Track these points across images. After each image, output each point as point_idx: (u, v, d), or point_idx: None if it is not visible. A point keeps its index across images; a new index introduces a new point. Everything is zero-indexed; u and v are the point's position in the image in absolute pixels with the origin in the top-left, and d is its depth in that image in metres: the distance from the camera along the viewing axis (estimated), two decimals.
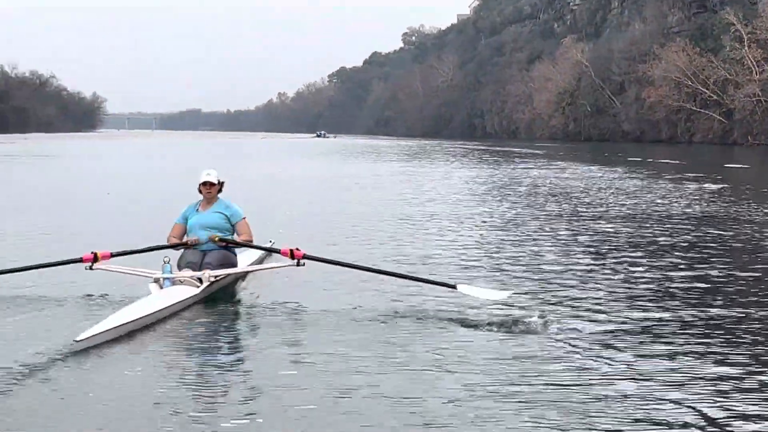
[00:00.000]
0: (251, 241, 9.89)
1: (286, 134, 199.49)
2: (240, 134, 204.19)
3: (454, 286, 9.18)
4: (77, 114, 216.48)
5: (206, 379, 6.39)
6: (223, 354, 7.09)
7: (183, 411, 5.61)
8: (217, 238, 9.63)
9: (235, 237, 9.83)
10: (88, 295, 9.26)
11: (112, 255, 9.42)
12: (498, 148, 75.19)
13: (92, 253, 9.26)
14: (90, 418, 5.50)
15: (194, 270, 9.31)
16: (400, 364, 6.73)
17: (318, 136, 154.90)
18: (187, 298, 8.80)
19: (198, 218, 9.84)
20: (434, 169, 40.06)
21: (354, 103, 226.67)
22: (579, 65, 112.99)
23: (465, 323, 8.13)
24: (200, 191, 10.01)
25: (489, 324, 8.04)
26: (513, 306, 8.77)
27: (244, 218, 9.92)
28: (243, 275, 10.29)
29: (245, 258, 10.70)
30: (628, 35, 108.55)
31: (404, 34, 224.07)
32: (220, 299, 9.29)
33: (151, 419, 5.47)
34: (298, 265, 9.36)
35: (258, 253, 10.94)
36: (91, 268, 9.28)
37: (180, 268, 9.38)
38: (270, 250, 10.38)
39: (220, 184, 10.01)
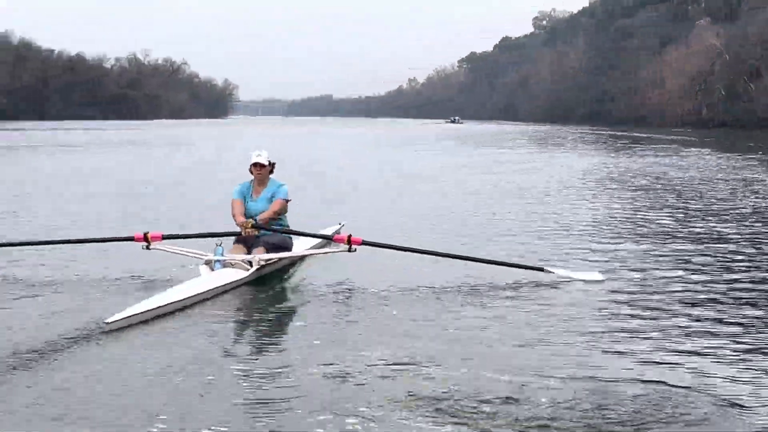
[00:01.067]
0: (276, 215, 9.82)
1: (420, 120, 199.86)
2: (371, 121, 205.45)
3: (541, 269, 9.38)
4: (209, 101, 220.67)
5: (247, 361, 6.31)
6: (266, 336, 7.10)
7: (230, 395, 5.55)
8: (250, 227, 9.57)
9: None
10: (137, 275, 9.42)
11: (164, 237, 9.58)
12: (627, 134, 73.63)
13: (143, 233, 9.45)
14: (126, 398, 5.47)
15: (246, 250, 9.45)
16: (456, 340, 6.83)
17: (452, 121, 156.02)
18: (234, 281, 8.83)
19: (251, 207, 9.88)
20: (558, 156, 39.04)
21: (483, 89, 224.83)
22: (713, 49, 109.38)
23: (548, 302, 8.27)
24: (251, 172, 10.02)
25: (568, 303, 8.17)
26: (603, 286, 8.95)
27: (284, 199, 9.90)
28: (297, 260, 10.29)
29: (302, 243, 10.62)
30: (765, 18, 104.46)
31: (535, 18, 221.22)
32: (271, 282, 9.31)
33: (189, 400, 5.46)
34: (349, 251, 9.41)
35: (315, 239, 10.76)
36: (147, 248, 9.46)
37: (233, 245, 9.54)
38: (318, 237, 10.36)
39: (272, 165, 10.04)
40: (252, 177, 10.11)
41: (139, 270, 9.63)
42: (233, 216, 9.82)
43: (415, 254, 9.78)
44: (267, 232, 9.72)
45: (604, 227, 14.22)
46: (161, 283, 8.89)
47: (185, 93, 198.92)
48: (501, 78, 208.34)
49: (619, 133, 75.41)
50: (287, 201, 9.98)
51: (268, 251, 9.54)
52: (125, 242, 9.80)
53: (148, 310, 7.45)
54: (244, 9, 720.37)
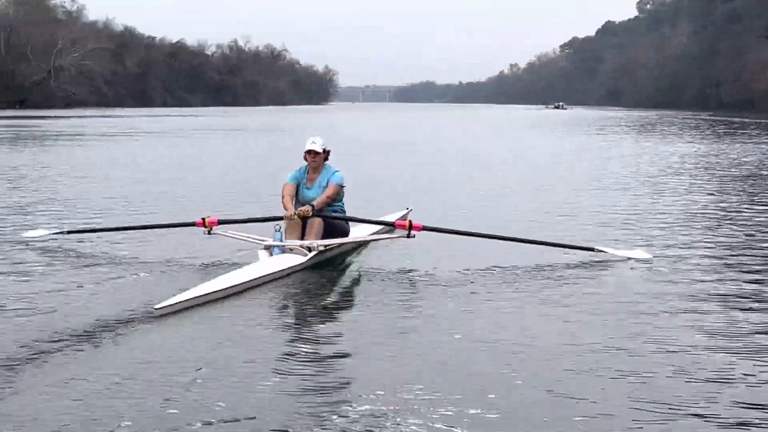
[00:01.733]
0: (330, 199, 9.71)
1: (521, 106, 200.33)
2: (474, 107, 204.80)
3: (591, 249, 9.61)
4: (309, 87, 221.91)
5: (300, 348, 6.20)
6: (321, 322, 7.00)
7: (288, 383, 5.43)
8: (305, 212, 9.44)
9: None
10: (196, 260, 9.50)
11: (219, 222, 9.77)
12: (732, 119, 71.51)
13: (202, 218, 9.70)
14: (176, 383, 5.40)
15: (300, 235, 9.44)
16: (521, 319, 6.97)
17: (556, 107, 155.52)
18: (291, 267, 8.83)
19: (306, 194, 9.84)
20: (656, 143, 37.25)
21: (585, 74, 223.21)
22: None
23: (604, 283, 8.40)
24: (305, 159, 9.92)
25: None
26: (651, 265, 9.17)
27: (339, 185, 9.81)
28: (355, 246, 10.23)
29: (361, 229, 10.58)
30: None
31: (638, 2, 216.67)
32: (329, 267, 9.28)
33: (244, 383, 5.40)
34: (408, 236, 9.39)
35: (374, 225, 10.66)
36: (209, 233, 9.70)
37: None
38: (379, 223, 10.31)
39: (326, 152, 9.93)
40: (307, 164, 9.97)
41: (200, 255, 9.75)
42: (282, 199, 9.75)
43: (477, 239, 9.81)
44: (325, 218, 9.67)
45: (688, 215, 13.69)
46: (221, 268, 8.93)
47: (285, 80, 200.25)
48: (603, 63, 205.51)
49: (725, 119, 73.16)
50: (342, 186, 9.87)
51: (323, 237, 9.48)
52: (189, 227, 10.05)
53: (204, 294, 7.50)
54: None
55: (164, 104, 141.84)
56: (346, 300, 7.95)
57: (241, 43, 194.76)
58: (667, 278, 8.53)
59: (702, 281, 8.43)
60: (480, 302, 7.57)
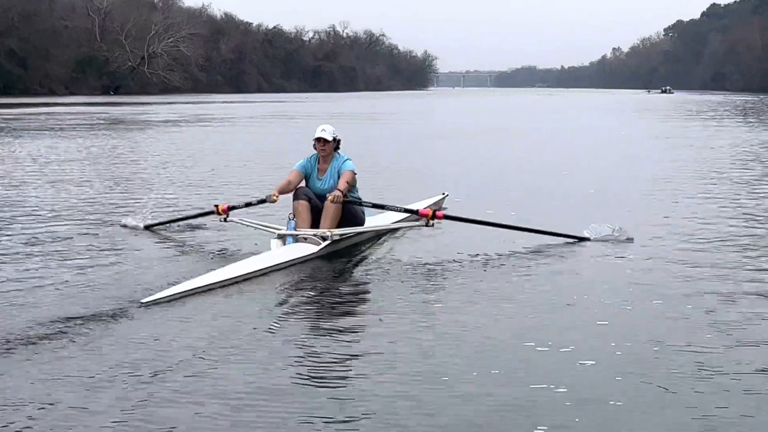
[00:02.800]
0: (349, 185, 9.45)
1: (626, 90, 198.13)
2: (579, 91, 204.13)
3: (588, 238, 9.72)
4: (407, 73, 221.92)
5: (303, 339, 6.17)
6: (326, 313, 6.89)
7: (300, 374, 5.39)
8: (338, 198, 9.19)
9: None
10: (211, 247, 9.64)
11: (230, 208, 9.82)
12: None
13: (215, 206, 9.88)
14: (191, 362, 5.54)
15: (311, 222, 9.24)
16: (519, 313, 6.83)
17: (663, 91, 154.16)
18: (303, 256, 8.71)
19: (318, 186, 9.62)
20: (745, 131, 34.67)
21: (689, 58, 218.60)
22: None
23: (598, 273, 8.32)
24: (315, 148, 9.68)
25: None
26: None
27: (351, 170, 9.53)
28: (374, 235, 10.06)
29: (382, 218, 10.46)
30: None
31: None
32: (344, 256, 9.11)
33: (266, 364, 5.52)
34: (427, 225, 9.24)
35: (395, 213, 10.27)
36: (225, 221, 9.81)
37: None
38: (401, 210, 9.81)
39: (336, 141, 9.65)
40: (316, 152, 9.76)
41: (215, 242, 9.89)
42: (283, 183, 9.62)
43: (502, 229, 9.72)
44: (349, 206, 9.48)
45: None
46: (233, 258, 8.84)
47: (382, 65, 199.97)
48: (708, 46, 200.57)
49: None
50: (354, 174, 9.59)
51: (339, 225, 9.27)
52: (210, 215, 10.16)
53: (209, 284, 7.50)
54: None
55: (259, 90, 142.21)
56: (354, 292, 7.67)
57: (339, 28, 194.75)
58: (663, 267, 8.48)
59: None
60: (492, 296, 7.37)
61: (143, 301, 6.96)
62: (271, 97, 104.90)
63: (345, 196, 9.28)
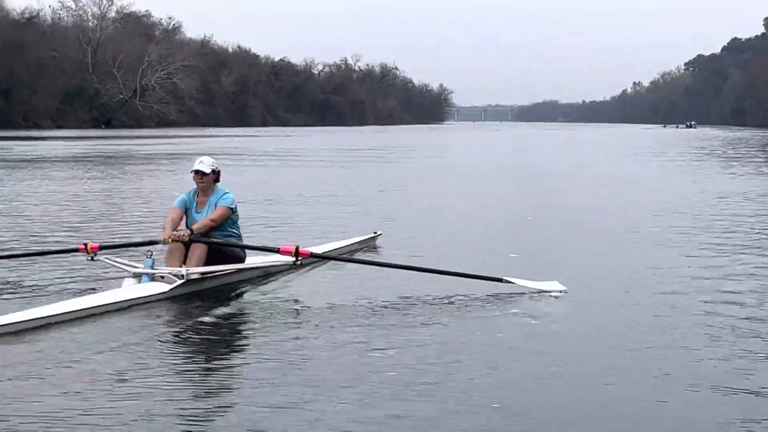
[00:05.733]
0: (214, 222, 9.34)
1: (646, 125, 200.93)
2: (603, 126, 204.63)
3: (500, 279, 9.07)
4: (421, 106, 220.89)
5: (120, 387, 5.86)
6: (158, 358, 6.59)
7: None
8: (184, 237, 9.08)
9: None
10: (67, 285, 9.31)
11: (101, 248, 9.43)
12: None
13: (84, 243, 9.39)
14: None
15: (182, 261, 9.08)
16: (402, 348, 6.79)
17: (688, 126, 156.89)
18: (149, 296, 8.51)
19: (196, 218, 9.48)
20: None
21: (709, 92, 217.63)
22: None
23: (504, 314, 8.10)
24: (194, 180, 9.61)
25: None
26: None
27: (227, 206, 9.41)
28: (256, 274, 9.71)
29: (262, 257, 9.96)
30: None
31: (766, 19, 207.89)
32: (199, 297, 8.81)
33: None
34: (295, 264, 9.19)
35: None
36: (92, 259, 9.33)
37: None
38: (261, 249, 9.66)
39: (215, 173, 9.58)
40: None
41: (79, 280, 9.58)
42: (165, 223, 9.55)
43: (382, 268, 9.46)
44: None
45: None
46: (80, 295, 8.60)
47: (394, 98, 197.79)
48: (728, 81, 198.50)
49: None
50: (232, 209, 9.50)
51: (207, 263, 9.11)
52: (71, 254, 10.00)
53: (35, 318, 7.39)
54: (470, 23, 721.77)
55: (263, 123, 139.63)
56: (194, 335, 7.35)
57: (351, 61, 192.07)
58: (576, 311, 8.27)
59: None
60: (354, 337, 7.19)
61: None
62: (276, 131, 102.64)
63: (205, 234, 9.20)
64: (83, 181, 25.09)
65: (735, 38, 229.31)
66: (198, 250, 9.05)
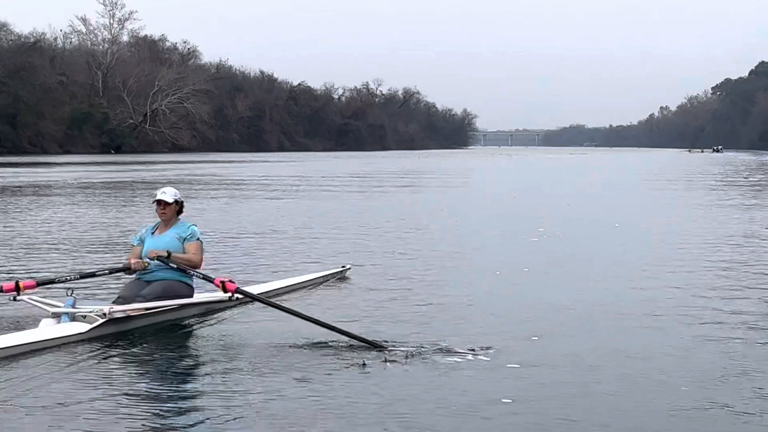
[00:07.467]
0: (195, 263, 9.05)
1: (672, 149, 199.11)
2: (630, 150, 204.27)
3: (382, 347, 8.20)
4: (444, 131, 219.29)
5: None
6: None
7: None
8: (154, 255, 8.88)
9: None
10: None
11: (38, 284, 9.04)
12: None
13: (14, 282, 8.92)
14: None
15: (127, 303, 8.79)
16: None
17: (715, 150, 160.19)
18: (62, 337, 8.07)
19: (150, 242, 9.16)
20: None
21: (737, 116, 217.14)
22: None
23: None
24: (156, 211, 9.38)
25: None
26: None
27: (198, 240, 9.22)
28: (199, 310, 9.32)
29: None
30: None
31: None
32: (124, 337, 8.35)
33: None
34: (230, 299, 8.72)
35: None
36: (14, 299, 8.85)
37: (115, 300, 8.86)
38: (203, 278, 8.97)
39: (179, 204, 9.28)
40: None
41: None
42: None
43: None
44: (160, 277, 8.99)
45: None
46: None
47: (416, 123, 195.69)
48: (756, 105, 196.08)
49: None
50: (201, 244, 9.25)
51: (150, 301, 8.77)
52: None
53: None
54: (498, 46, 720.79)
55: (280, 149, 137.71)
56: (102, 379, 7.00)
57: (372, 86, 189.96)
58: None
59: None
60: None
61: None
62: (292, 156, 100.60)
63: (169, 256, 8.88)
64: (67, 208, 24.54)
65: (763, 62, 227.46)
66: (156, 288, 8.87)
